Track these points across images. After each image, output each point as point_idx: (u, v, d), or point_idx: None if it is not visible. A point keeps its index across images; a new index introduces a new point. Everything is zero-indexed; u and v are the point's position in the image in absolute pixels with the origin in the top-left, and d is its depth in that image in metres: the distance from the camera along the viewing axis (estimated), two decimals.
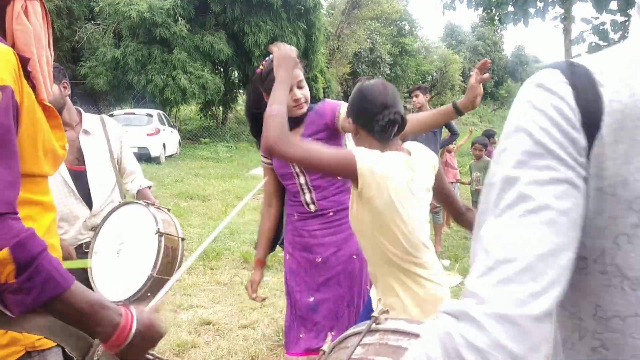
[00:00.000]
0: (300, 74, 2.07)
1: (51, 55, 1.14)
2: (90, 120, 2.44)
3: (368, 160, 1.57)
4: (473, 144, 6.47)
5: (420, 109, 5.42)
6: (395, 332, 1.07)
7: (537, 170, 0.58)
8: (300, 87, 2.08)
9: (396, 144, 1.71)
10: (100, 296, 0.98)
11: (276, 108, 1.64)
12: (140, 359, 1.03)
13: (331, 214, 2.16)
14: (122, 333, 0.96)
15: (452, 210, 1.96)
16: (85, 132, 2.38)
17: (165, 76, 17.22)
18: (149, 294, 1.98)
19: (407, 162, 1.67)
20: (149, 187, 2.62)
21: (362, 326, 1.11)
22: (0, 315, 0.92)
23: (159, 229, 2.03)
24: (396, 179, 1.60)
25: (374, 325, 1.10)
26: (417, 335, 1.04)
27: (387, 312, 1.12)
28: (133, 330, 0.96)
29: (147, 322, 1.01)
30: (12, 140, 0.91)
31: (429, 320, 0.76)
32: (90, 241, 2.26)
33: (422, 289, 1.68)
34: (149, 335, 1.01)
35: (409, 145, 1.79)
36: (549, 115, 0.61)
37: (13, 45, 1.02)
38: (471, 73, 1.96)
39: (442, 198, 1.92)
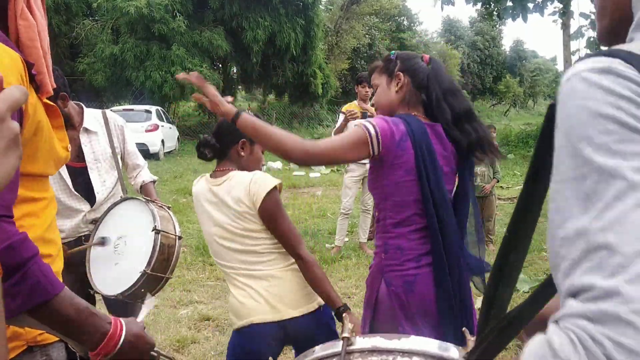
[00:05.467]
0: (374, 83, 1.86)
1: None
2: (91, 117, 2.43)
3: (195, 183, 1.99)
4: None
5: (365, 101, 5.01)
6: (374, 351, 0.96)
7: (638, 156, 0.54)
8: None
9: (222, 169, 1.88)
10: (89, 305, 0.96)
11: None
12: None
13: None
14: (110, 342, 0.95)
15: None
16: (86, 130, 2.37)
17: (163, 72, 17.18)
18: (142, 290, 1.99)
19: (210, 186, 1.86)
20: (154, 182, 2.62)
21: (332, 347, 0.99)
22: None
23: (155, 226, 2.04)
24: (197, 199, 1.92)
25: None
26: (402, 352, 0.93)
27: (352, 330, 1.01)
28: (122, 341, 0.96)
29: (137, 333, 1.00)
30: None
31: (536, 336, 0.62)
32: (89, 234, 2.28)
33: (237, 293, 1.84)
34: (138, 346, 1.01)
35: (236, 174, 1.82)
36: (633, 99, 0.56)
37: (17, 40, 1.02)
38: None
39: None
